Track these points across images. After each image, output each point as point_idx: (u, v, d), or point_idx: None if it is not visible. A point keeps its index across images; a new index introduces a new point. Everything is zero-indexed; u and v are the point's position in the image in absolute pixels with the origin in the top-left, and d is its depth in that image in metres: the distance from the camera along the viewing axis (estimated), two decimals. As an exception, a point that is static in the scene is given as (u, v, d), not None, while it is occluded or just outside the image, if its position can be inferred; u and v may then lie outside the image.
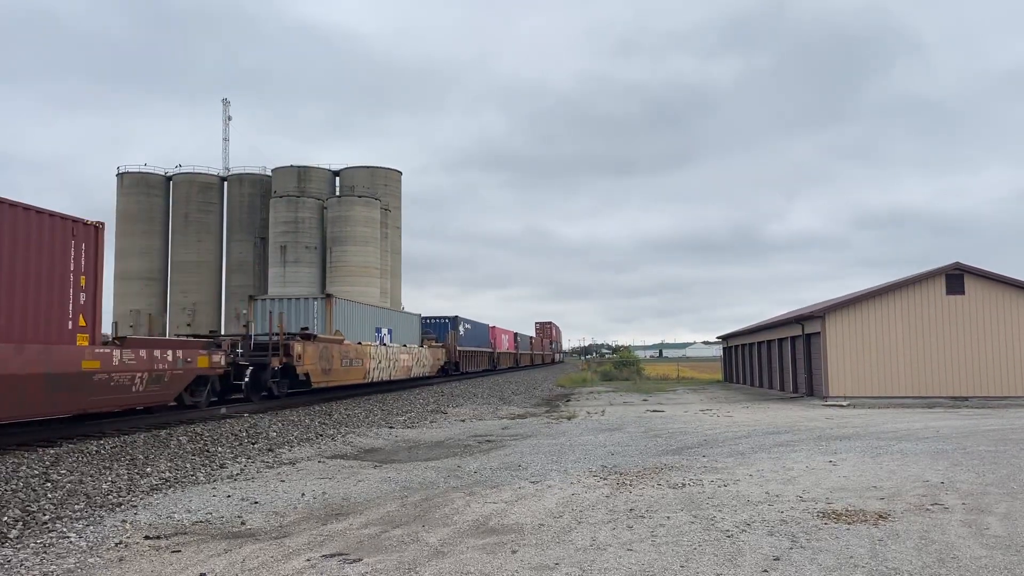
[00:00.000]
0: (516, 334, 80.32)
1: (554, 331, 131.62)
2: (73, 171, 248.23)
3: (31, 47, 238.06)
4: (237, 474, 12.47)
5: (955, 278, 30.27)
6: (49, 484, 10.69)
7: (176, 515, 9.30)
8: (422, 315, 47.43)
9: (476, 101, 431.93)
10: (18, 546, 7.76)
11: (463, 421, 22.79)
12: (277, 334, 23.45)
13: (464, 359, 51.74)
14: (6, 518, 8.77)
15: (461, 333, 51.82)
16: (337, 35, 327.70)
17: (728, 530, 8.17)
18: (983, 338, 29.89)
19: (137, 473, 11.99)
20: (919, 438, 16.54)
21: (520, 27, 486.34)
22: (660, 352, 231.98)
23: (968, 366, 29.82)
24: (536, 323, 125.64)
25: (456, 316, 51.39)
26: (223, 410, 20.41)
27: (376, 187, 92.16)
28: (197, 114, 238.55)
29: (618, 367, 66.73)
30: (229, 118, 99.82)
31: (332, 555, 7.40)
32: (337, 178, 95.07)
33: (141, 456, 13.35)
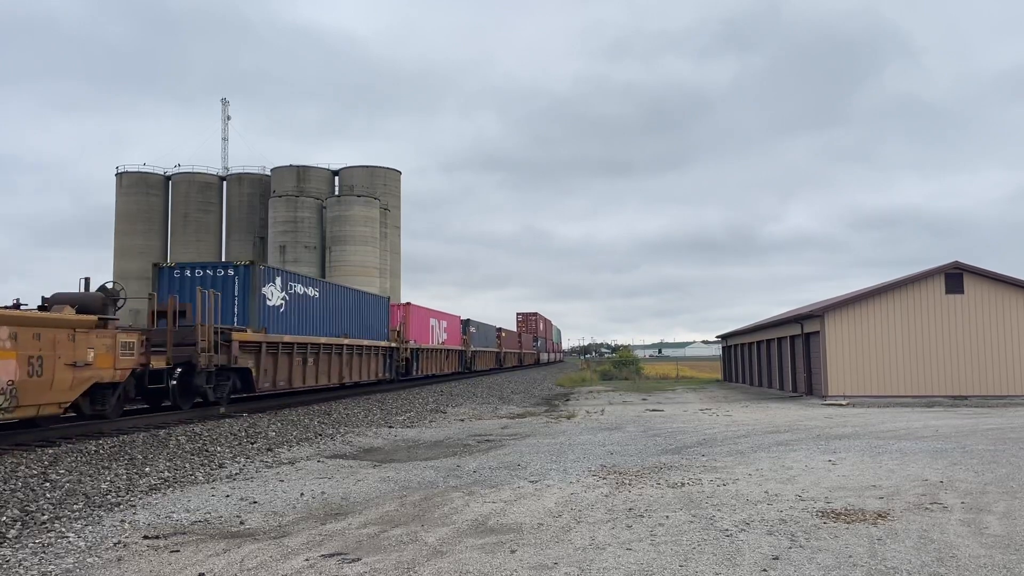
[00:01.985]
0: (466, 321, 53.82)
1: (542, 324, 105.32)
2: (73, 172, 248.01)
3: (29, 49, 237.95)
4: (236, 474, 12.46)
5: (954, 277, 30.27)
6: (48, 484, 10.68)
7: (175, 515, 9.29)
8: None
9: (472, 103, 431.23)
10: (17, 546, 7.75)
11: (462, 421, 22.79)
12: None
13: (273, 364, 23.33)
14: (5, 518, 8.76)
15: (273, 304, 23.72)
16: (333, 37, 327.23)
17: (727, 529, 8.17)
18: (982, 337, 29.89)
19: (136, 473, 11.98)
20: (918, 437, 16.54)
21: (515, 29, 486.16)
22: (659, 351, 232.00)
23: (967, 365, 29.82)
24: (518, 314, 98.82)
25: (251, 264, 23.31)
26: (222, 409, 20.39)
27: (375, 187, 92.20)
28: (195, 115, 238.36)
29: (617, 366, 66.74)
30: (228, 118, 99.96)
31: (331, 555, 7.39)
32: (336, 178, 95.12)
33: (140, 456, 13.34)
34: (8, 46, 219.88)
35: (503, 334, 69.61)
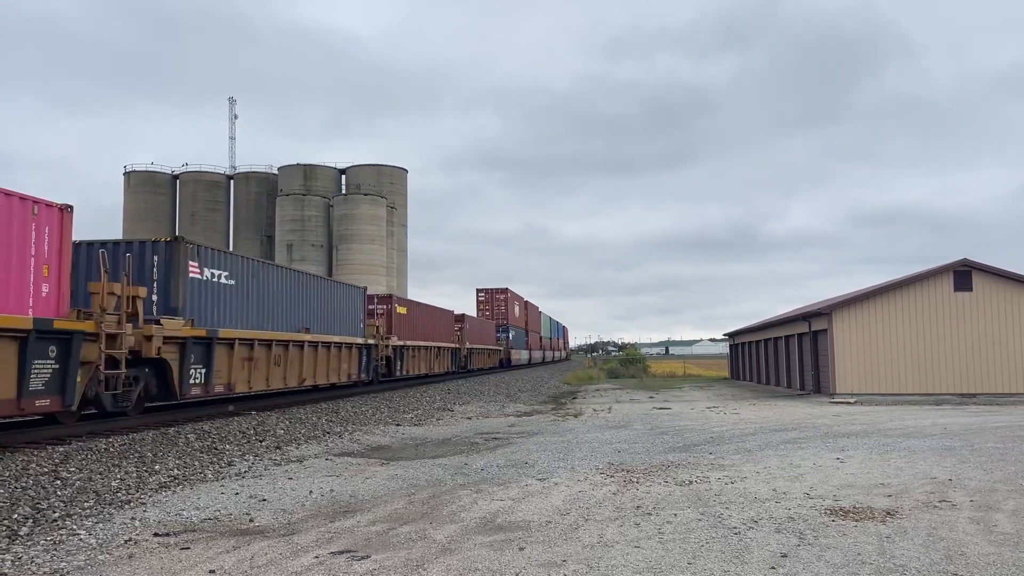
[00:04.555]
0: (214, 256, 18.08)
1: (517, 308, 69.14)
2: (79, 171, 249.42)
3: (32, 50, 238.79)
4: (245, 472, 12.52)
5: (963, 275, 30.15)
6: (59, 482, 10.74)
7: (185, 512, 9.34)
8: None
9: (473, 102, 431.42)
10: (29, 543, 7.81)
11: (469, 419, 22.82)
12: None
13: None
14: (17, 515, 8.82)
15: None
16: (333, 37, 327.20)
17: (735, 527, 8.17)
18: (991, 335, 29.77)
19: (146, 471, 12.05)
20: (927, 435, 16.49)
21: (516, 28, 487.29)
22: (666, 349, 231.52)
23: (976, 363, 29.71)
24: (478, 291, 66.08)
25: None
26: (231, 407, 20.46)
27: (382, 185, 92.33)
28: (199, 115, 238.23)
29: (624, 364, 66.61)
30: (235, 117, 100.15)
31: (340, 552, 7.42)
32: (343, 176, 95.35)
33: (150, 454, 13.40)
34: (10, 46, 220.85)
35: (415, 312, 36.62)
